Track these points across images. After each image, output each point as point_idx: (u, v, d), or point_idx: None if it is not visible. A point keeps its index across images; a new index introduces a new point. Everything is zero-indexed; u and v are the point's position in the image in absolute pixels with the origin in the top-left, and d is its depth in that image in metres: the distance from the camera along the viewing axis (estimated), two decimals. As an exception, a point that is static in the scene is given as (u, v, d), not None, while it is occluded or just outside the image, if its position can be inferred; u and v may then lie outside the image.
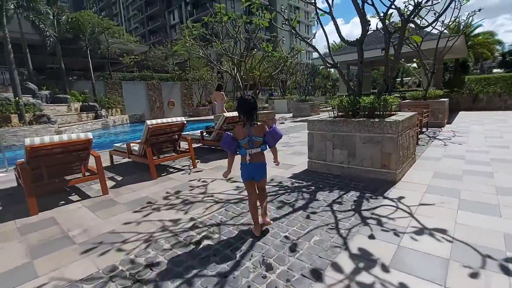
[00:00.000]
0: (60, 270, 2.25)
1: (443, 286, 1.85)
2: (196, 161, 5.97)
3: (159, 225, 2.97)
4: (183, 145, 6.34)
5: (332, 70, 35.14)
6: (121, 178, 5.06)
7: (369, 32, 4.75)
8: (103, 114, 20.02)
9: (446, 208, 3.04)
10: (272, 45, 8.33)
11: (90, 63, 21.60)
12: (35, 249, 2.62)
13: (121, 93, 24.44)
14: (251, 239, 2.55)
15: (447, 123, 10.04)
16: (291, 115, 18.64)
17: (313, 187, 3.89)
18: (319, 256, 2.23)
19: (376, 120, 3.98)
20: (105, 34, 23.20)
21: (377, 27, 5.26)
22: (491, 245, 2.29)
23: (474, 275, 1.95)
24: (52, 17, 19.09)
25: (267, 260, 2.22)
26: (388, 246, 2.34)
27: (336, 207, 3.19)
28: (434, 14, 6.49)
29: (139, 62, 28.74)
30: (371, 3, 4.54)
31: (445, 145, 6.42)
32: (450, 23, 8.79)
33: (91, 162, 4.50)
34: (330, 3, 4.65)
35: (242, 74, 8.39)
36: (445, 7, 4.55)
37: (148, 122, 4.85)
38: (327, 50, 5.16)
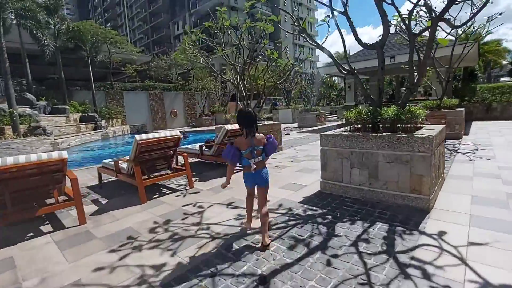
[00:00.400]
0: None
1: None
2: (194, 179, 5.35)
3: (136, 273, 2.32)
4: (181, 159, 5.72)
5: (335, 79, 34.61)
6: (106, 201, 4.43)
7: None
8: (103, 125, 19.52)
9: (505, 250, 2.37)
10: (277, 52, 7.79)
11: (91, 73, 21.26)
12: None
13: (122, 103, 24.00)
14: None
15: (464, 134, 9.35)
16: (296, 125, 18.05)
17: (329, 216, 3.23)
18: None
19: (404, 135, 3.33)
20: (107, 44, 22.93)
21: (396, 30, 4.66)
22: None
23: None
24: (53, 27, 18.86)
25: None
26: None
27: (362, 247, 2.52)
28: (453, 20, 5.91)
29: (142, 72, 28.47)
30: (390, 2, 3.95)
31: (471, 160, 5.73)
32: (467, 28, 8.21)
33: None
34: (345, 2, 4.07)
35: (245, 83, 7.81)
36: (482, 2, 3.96)
37: (137, 137, 4.25)
38: (331, 60, 4.53)
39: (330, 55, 4.19)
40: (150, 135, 4.39)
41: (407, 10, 3.62)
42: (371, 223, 2.99)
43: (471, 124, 12.71)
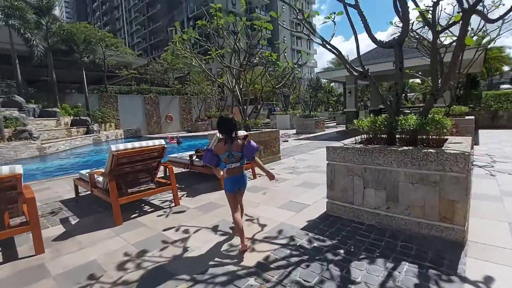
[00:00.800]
0: None
1: None
2: (182, 193, 4.73)
3: None
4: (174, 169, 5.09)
5: (333, 84, 34.08)
6: (76, 221, 3.79)
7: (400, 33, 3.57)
8: (95, 129, 18.85)
9: None
10: (276, 54, 7.23)
11: (84, 75, 20.64)
12: None
13: (117, 107, 23.37)
14: None
15: (475, 144, 8.79)
16: (294, 131, 17.49)
17: (341, 251, 2.61)
18: None
19: (431, 150, 2.73)
20: (102, 46, 22.33)
21: (411, 29, 4.10)
22: None
23: None
24: (45, 28, 18.26)
25: None
26: None
27: (389, 301, 1.91)
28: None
29: (138, 75, 27.89)
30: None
31: (492, 175, 5.15)
32: (478, 30, 7.69)
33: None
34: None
35: (241, 87, 7.24)
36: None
37: (113, 147, 3.63)
38: (330, 65, 3.98)
39: (339, 53, 3.61)
40: (129, 145, 3.77)
41: (432, 1, 3.05)
42: (395, 262, 2.37)
43: (477, 132, 12.19)
